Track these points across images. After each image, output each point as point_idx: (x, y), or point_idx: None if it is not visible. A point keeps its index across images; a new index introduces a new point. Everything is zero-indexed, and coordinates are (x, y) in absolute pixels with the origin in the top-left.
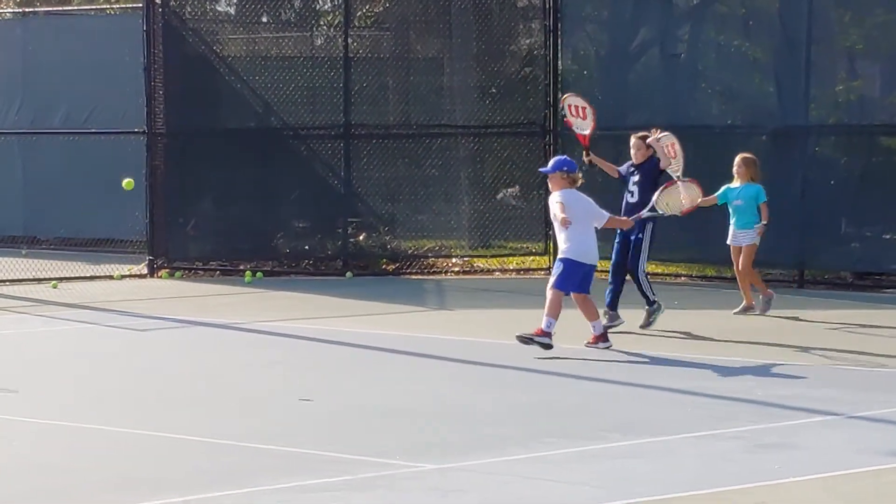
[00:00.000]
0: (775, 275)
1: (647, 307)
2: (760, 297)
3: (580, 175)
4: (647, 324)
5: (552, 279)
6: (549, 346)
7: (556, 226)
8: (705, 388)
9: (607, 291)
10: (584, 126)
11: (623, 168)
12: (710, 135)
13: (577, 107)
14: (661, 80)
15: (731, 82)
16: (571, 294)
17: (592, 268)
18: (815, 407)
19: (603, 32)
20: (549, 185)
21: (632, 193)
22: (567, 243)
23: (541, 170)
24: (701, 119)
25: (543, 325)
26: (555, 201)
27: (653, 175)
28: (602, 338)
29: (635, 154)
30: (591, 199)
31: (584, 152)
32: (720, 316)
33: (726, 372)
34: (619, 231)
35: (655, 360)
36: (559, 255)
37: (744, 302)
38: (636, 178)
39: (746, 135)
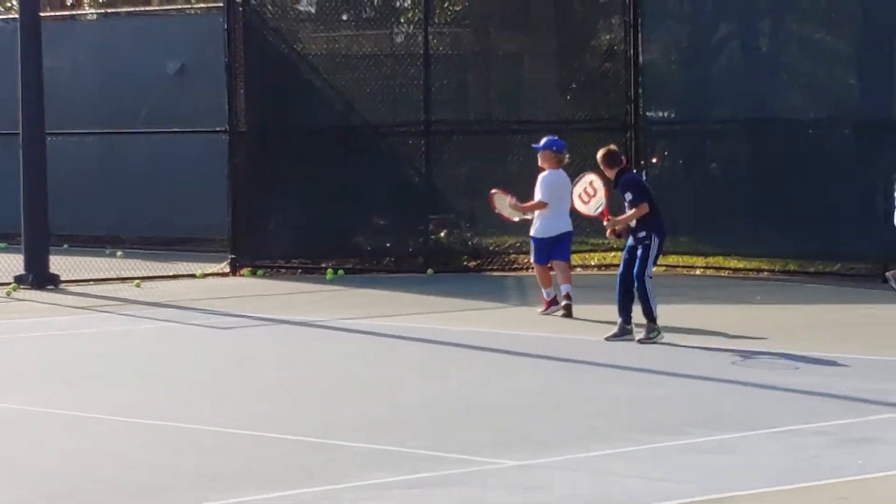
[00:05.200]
0: (859, 269)
1: (647, 322)
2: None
3: (566, 156)
4: (647, 339)
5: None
6: (563, 308)
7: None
8: (789, 382)
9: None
10: (600, 202)
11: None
12: (793, 128)
13: (585, 191)
14: (742, 73)
15: (814, 75)
16: (553, 262)
17: (563, 235)
18: None
19: (684, 26)
20: (539, 162)
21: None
22: (536, 222)
23: (533, 146)
24: (783, 112)
25: (545, 296)
26: (539, 183)
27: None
28: (552, 303)
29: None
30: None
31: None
32: (805, 311)
33: (811, 366)
34: (626, 246)
35: (738, 354)
36: (530, 233)
37: None
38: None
39: (829, 128)
